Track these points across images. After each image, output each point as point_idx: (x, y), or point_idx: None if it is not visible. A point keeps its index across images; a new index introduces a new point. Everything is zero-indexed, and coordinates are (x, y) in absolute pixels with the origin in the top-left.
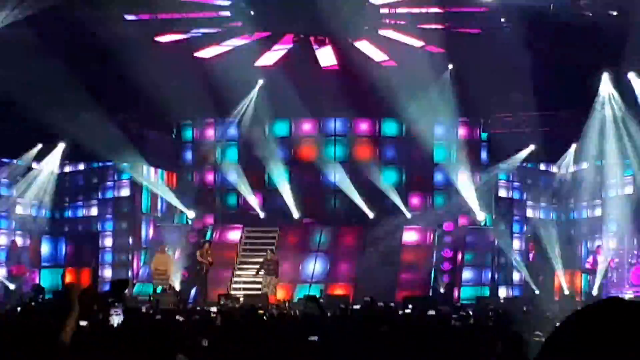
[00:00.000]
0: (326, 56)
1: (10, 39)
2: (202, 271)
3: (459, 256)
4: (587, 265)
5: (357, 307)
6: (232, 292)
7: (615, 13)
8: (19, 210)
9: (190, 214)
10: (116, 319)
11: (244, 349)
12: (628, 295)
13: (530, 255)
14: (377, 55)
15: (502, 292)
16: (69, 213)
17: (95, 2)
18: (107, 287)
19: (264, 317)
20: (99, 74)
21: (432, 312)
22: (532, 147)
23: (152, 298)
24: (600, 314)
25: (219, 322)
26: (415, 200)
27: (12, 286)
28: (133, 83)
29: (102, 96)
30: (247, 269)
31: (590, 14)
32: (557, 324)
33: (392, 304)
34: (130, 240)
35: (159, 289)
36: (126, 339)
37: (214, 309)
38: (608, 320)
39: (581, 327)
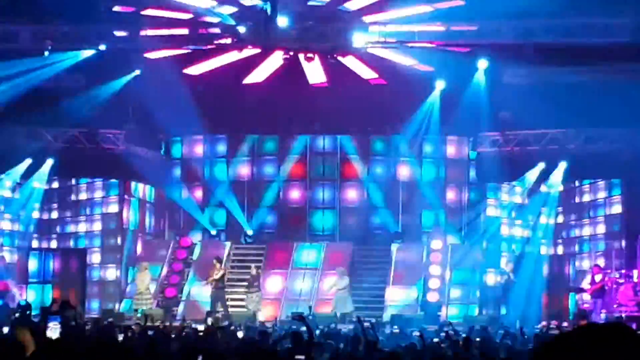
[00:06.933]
0: (315, 73)
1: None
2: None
3: (447, 274)
4: (587, 285)
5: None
6: (219, 309)
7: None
8: (6, 225)
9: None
10: (55, 332)
11: None
12: (616, 314)
13: (511, 275)
14: (366, 73)
15: (490, 311)
16: (57, 229)
17: (83, 18)
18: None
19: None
20: (87, 89)
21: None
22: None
23: (145, 314)
24: (575, 341)
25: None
26: (404, 218)
27: None
28: (122, 99)
29: (91, 112)
30: (234, 285)
31: (580, 34)
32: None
33: (374, 320)
34: (118, 257)
35: (140, 311)
36: (121, 356)
37: (201, 327)
38: (583, 346)
39: (558, 354)
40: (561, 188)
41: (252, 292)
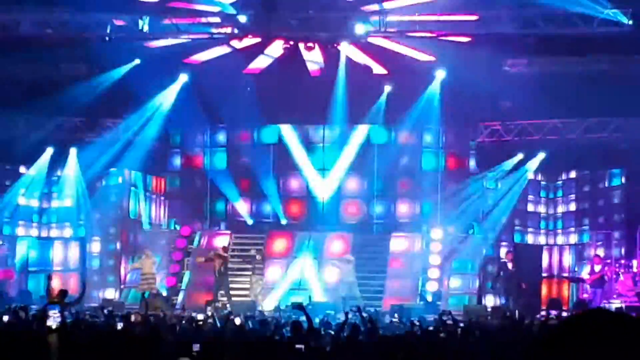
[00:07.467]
0: (315, 63)
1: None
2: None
3: (447, 264)
4: (586, 275)
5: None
6: (220, 298)
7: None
8: (7, 213)
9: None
10: (54, 321)
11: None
12: (616, 305)
13: (510, 265)
14: (366, 62)
15: (490, 301)
16: (56, 217)
17: (84, 7)
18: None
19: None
20: (87, 78)
21: (416, 321)
22: (520, 156)
23: (146, 301)
24: (585, 325)
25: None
26: (403, 208)
27: None
28: (122, 88)
29: (92, 101)
30: (235, 274)
31: (581, 24)
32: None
33: (374, 309)
34: (118, 246)
35: (146, 294)
36: (121, 344)
37: (200, 315)
38: (592, 330)
39: (566, 337)
40: (563, 177)
41: (255, 275)
